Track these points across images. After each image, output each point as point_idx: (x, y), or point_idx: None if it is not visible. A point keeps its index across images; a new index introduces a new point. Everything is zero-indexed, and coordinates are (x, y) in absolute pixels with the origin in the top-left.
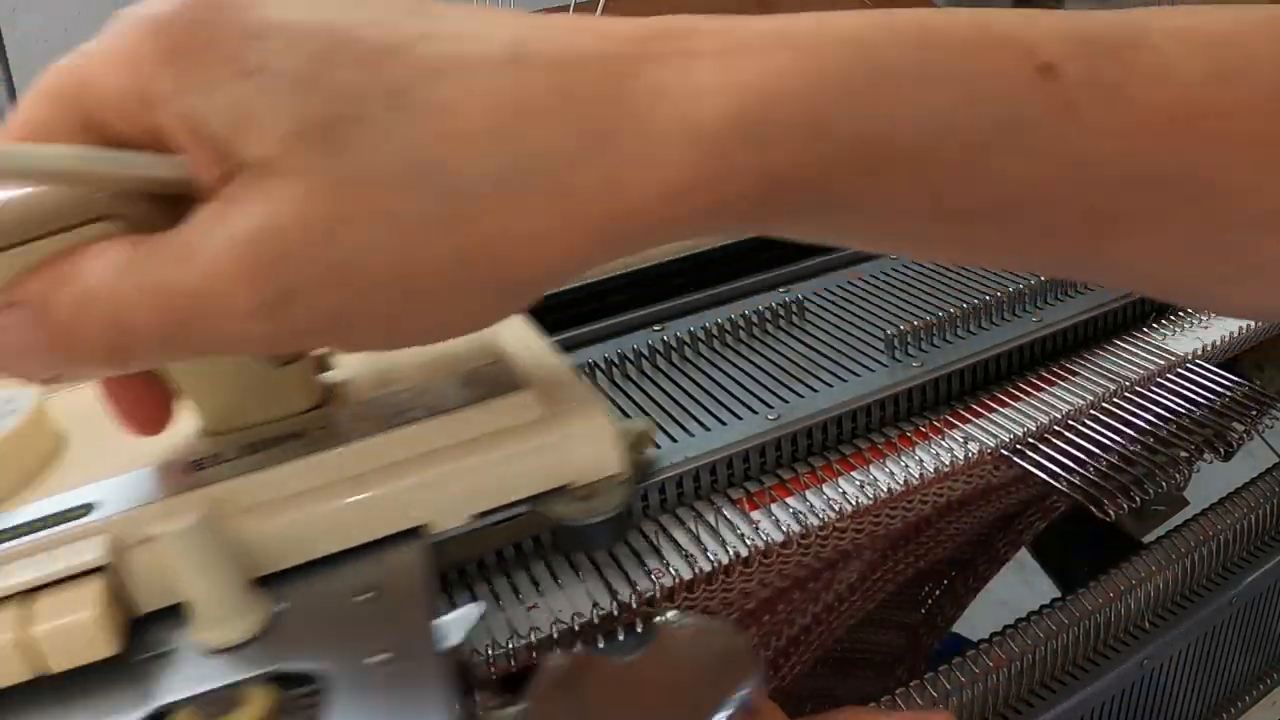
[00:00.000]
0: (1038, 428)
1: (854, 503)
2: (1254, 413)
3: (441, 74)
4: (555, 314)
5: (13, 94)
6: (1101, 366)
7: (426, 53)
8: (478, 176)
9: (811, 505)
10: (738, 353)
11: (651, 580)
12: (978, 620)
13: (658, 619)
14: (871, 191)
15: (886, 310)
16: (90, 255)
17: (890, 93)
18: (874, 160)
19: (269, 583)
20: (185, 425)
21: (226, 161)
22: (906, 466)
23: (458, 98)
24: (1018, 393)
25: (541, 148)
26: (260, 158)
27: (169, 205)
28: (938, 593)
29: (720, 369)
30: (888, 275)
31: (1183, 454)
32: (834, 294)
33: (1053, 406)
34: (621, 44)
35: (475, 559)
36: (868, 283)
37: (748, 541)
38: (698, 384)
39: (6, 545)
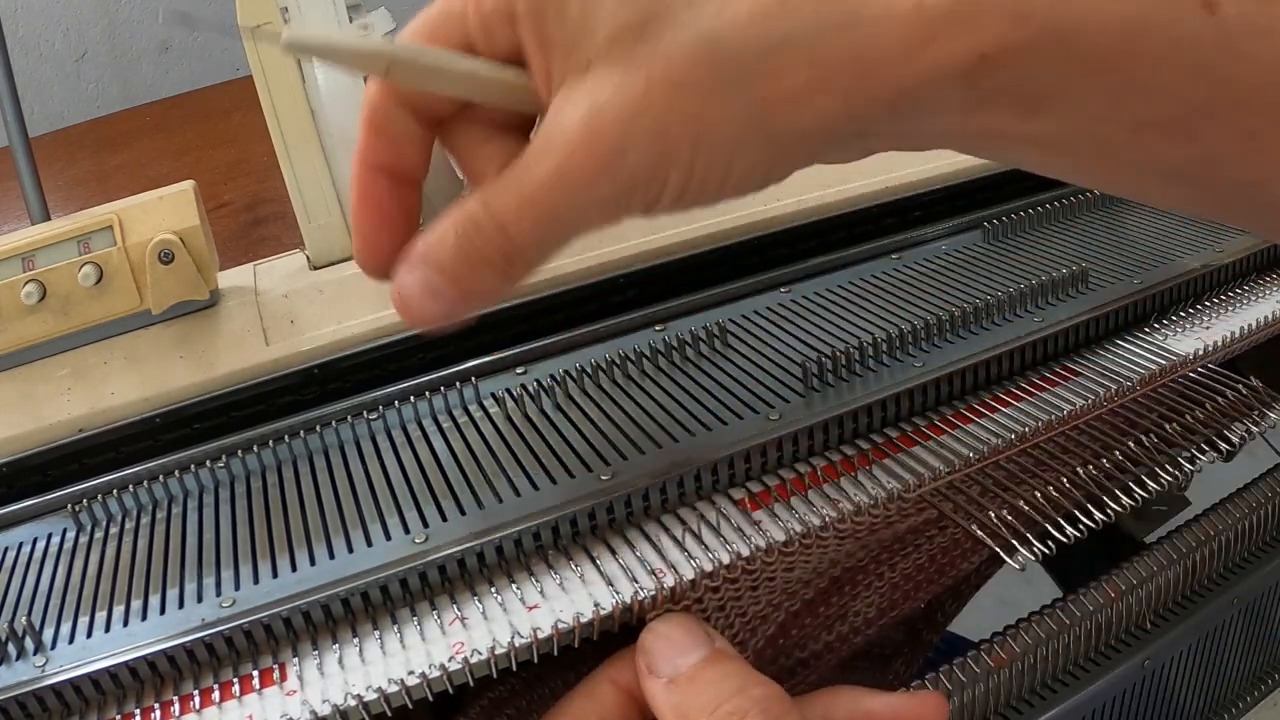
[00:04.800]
0: (1040, 428)
1: (855, 503)
2: (1255, 413)
3: None
4: (557, 314)
5: (14, 94)
6: (1103, 366)
7: None
8: (751, 51)
9: (813, 505)
10: (739, 353)
11: (654, 580)
12: (978, 620)
13: None
14: (1062, 85)
15: (887, 311)
16: (469, 201)
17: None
18: (1065, 51)
19: None
20: None
21: (562, 66)
22: (909, 466)
23: None
24: (1019, 393)
25: (798, 26)
26: (591, 57)
27: None
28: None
29: (721, 369)
30: (887, 276)
31: (1184, 454)
32: (833, 295)
33: (1054, 407)
34: None
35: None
36: (867, 283)
37: (750, 540)
38: (698, 384)
39: None
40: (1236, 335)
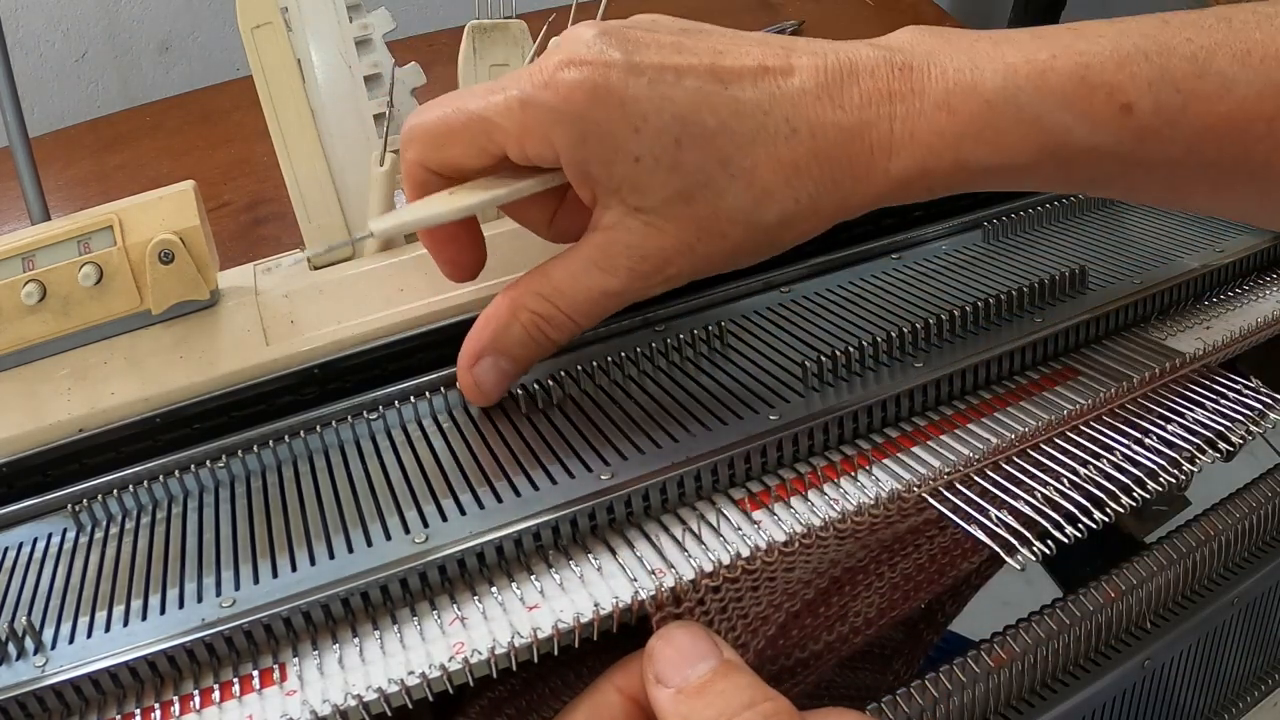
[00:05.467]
0: (1040, 427)
1: (855, 503)
2: (1255, 413)
3: (749, 146)
4: None
5: (14, 94)
6: (1103, 366)
7: (739, 129)
8: (772, 218)
9: (813, 505)
10: (738, 353)
11: (654, 579)
12: (979, 620)
13: None
14: (992, 186)
15: (887, 311)
16: (528, 297)
17: (1010, 139)
18: (993, 175)
19: None
20: None
21: (610, 198)
22: (909, 466)
23: (760, 163)
24: (1019, 393)
25: (807, 192)
26: (643, 206)
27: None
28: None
29: (721, 369)
30: (887, 276)
31: (1184, 454)
32: (833, 295)
33: (1055, 406)
34: (851, 113)
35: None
36: (867, 283)
37: (749, 540)
38: (698, 384)
39: None
40: (1236, 335)
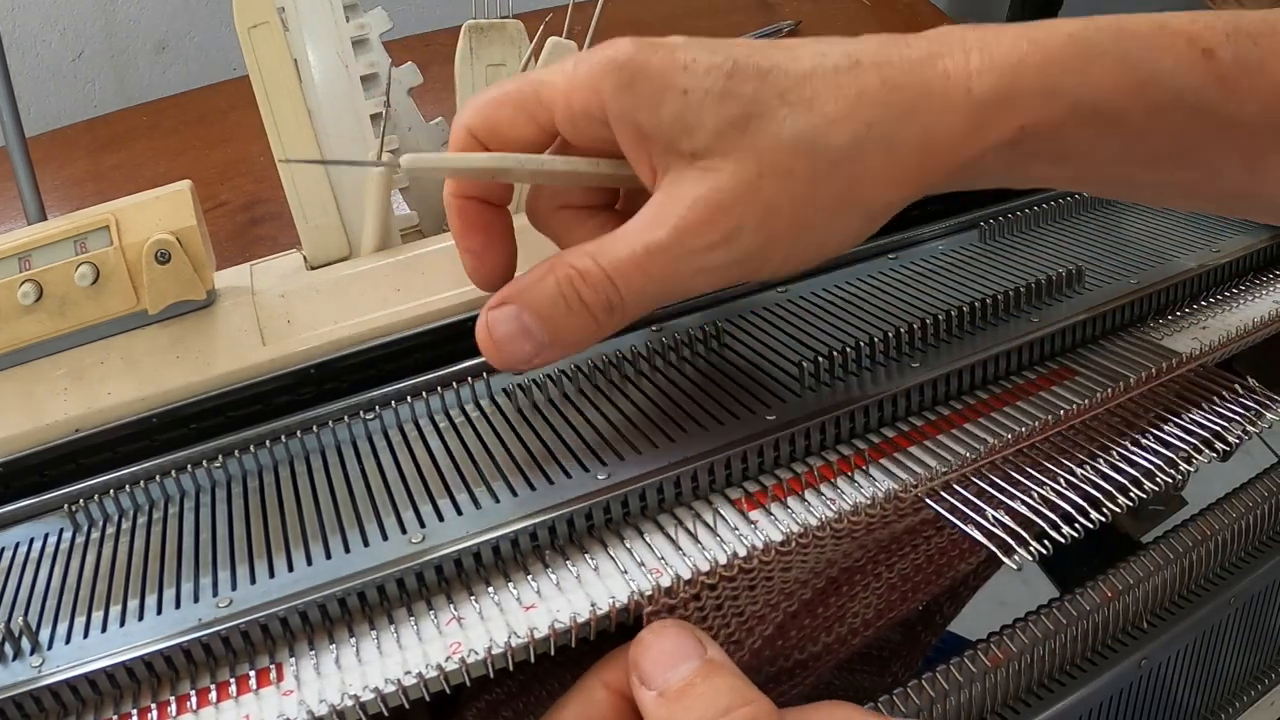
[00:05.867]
0: (1036, 427)
1: (852, 503)
2: (1252, 413)
3: (808, 78)
4: None
5: (10, 94)
6: (1100, 366)
7: (794, 68)
8: (842, 143)
9: (810, 505)
10: (735, 352)
11: (650, 580)
12: (977, 620)
13: None
14: (1085, 142)
15: (884, 310)
16: (570, 254)
17: (1098, 70)
18: (1086, 115)
19: None
20: None
21: (665, 156)
22: (906, 466)
23: (821, 92)
24: (1016, 393)
25: (878, 115)
26: (697, 148)
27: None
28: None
29: (717, 369)
30: (884, 276)
31: (1181, 454)
32: (830, 295)
33: (1052, 406)
34: (918, 48)
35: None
36: (864, 283)
37: (746, 540)
38: (694, 384)
39: None
40: (1233, 335)
